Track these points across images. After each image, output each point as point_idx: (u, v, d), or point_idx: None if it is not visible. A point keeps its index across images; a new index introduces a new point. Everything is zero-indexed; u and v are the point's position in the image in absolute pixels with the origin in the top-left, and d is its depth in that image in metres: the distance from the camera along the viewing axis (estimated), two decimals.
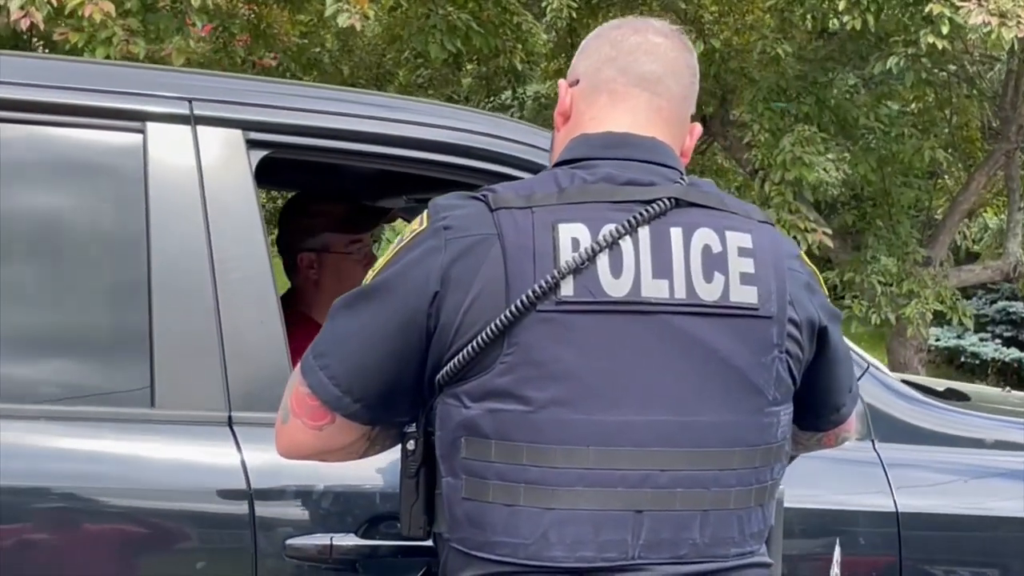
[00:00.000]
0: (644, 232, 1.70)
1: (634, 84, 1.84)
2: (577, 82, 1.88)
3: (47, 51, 8.43)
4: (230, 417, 2.14)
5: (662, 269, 1.70)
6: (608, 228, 1.68)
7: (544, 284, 1.64)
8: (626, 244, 1.69)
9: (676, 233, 1.72)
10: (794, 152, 8.97)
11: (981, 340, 16.48)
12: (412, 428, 1.79)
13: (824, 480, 2.42)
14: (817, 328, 1.83)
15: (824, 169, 9.12)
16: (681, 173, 1.81)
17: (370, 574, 2.10)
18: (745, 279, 1.74)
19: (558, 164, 1.82)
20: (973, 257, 15.40)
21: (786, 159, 9.02)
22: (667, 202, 1.72)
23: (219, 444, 2.12)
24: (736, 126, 11.05)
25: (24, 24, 6.80)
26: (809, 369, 1.84)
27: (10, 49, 8.47)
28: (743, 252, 1.75)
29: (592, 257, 1.66)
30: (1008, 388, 4.40)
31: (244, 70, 9.25)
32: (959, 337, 16.40)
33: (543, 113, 13.07)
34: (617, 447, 1.66)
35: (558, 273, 1.65)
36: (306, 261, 3.16)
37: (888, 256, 10.21)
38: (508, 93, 13.76)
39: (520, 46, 10.56)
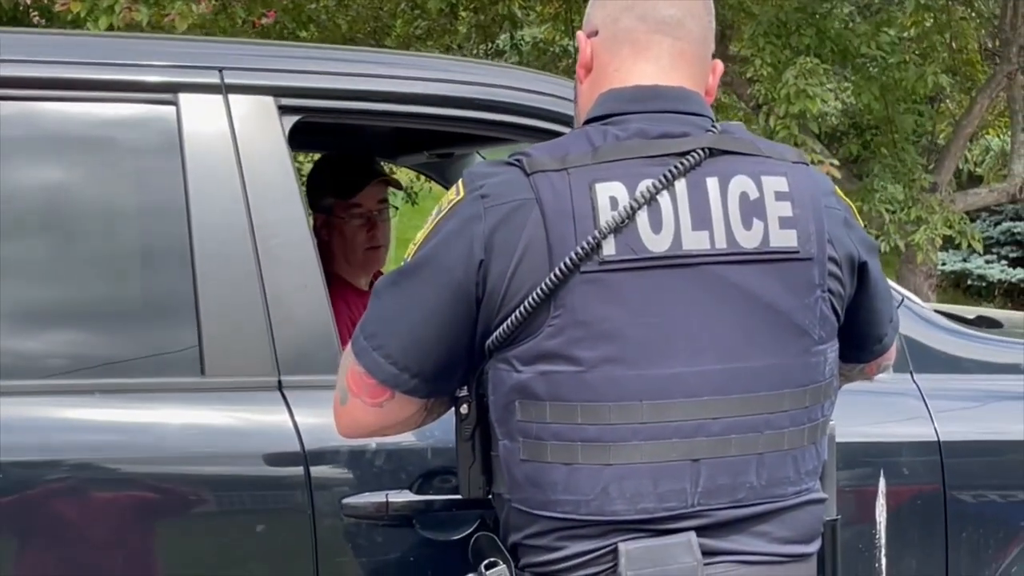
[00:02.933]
0: (681, 185, 1.70)
1: (655, 31, 1.81)
2: (596, 32, 1.86)
3: (46, 23, 8.37)
4: (279, 381, 2.16)
5: (701, 220, 1.70)
6: (645, 184, 1.68)
7: (586, 245, 1.64)
8: (664, 198, 1.68)
9: (712, 183, 1.72)
10: (797, 85, 8.94)
11: (987, 263, 16.48)
12: (464, 392, 1.80)
13: (865, 413, 2.43)
14: (857, 263, 1.84)
15: (823, 100, 9.09)
16: (712, 120, 1.80)
17: (426, 528, 2.13)
18: (784, 223, 1.74)
19: (588, 121, 1.82)
20: (976, 180, 15.36)
21: (790, 92, 8.99)
22: (701, 152, 1.72)
23: (271, 409, 2.14)
24: (736, 61, 10.98)
25: None
26: (851, 304, 1.85)
27: (7, 23, 8.43)
28: (780, 196, 1.75)
29: (631, 215, 1.66)
30: None
31: (244, 31, 9.20)
32: (965, 260, 16.41)
33: (541, 58, 13.03)
34: (670, 400, 1.67)
35: (599, 233, 1.65)
36: (319, 221, 3.28)
37: (894, 183, 10.19)
38: (505, 37, 13.69)
39: None
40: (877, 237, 10.05)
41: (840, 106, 9.55)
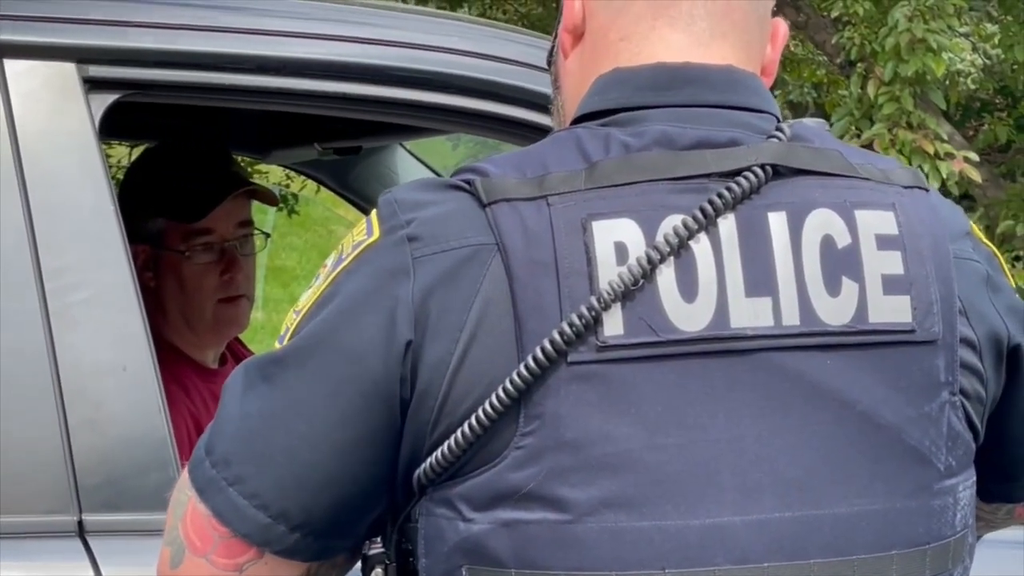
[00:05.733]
0: (728, 224, 1.71)
1: None
2: None
3: None
4: (80, 523, 2.17)
5: (760, 282, 1.71)
6: (672, 223, 1.68)
7: (578, 321, 1.64)
8: (701, 247, 1.69)
9: (778, 221, 1.72)
10: (912, 32, 9.00)
11: None
12: (377, 548, 1.80)
13: None
14: (1007, 347, 1.86)
15: (953, 55, 9.15)
16: (777, 118, 1.82)
17: None
18: (891, 285, 1.75)
19: (580, 119, 1.84)
20: None
21: (900, 42, 9.05)
22: (760, 172, 1.73)
23: (67, 565, 2.15)
24: None
25: None
26: (997, 411, 1.88)
27: None
28: (885, 242, 1.76)
29: (650, 272, 1.67)
30: None
31: None
32: None
33: None
34: (709, 566, 1.68)
35: (598, 301, 1.65)
36: (141, 258, 3.20)
37: None
38: None
39: None
40: None
41: (981, 64, 9.61)
